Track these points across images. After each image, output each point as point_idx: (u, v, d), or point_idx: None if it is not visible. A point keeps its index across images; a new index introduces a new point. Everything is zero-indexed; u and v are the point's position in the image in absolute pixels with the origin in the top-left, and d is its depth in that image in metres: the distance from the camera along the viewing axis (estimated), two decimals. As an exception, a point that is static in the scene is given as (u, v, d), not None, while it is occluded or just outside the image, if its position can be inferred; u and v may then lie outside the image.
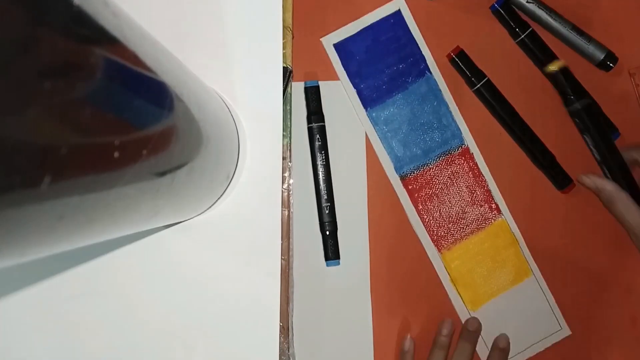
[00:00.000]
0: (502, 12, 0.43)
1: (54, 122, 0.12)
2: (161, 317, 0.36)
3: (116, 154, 0.15)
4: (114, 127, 0.15)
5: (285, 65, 0.39)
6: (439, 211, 0.44)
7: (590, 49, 0.42)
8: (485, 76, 0.43)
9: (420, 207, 0.44)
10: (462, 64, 0.43)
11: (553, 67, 0.41)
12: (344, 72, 0.43)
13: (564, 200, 0.44)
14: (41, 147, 0.12)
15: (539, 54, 0.43)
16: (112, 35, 0.15)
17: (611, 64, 0.43)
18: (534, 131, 0.43)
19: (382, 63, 0.44)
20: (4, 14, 0.10)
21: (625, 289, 0.44)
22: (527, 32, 0.42)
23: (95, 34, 0.14)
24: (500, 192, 0.44)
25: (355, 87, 0.44)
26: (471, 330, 0.42)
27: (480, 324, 0.43)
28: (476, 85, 0.43)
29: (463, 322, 0.43)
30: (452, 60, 0.43)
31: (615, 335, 0.44)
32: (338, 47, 0.44)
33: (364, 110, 0.44)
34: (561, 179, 0.43)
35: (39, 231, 0.13)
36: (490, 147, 0.44)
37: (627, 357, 0.44)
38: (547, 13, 0.42)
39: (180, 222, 0.35)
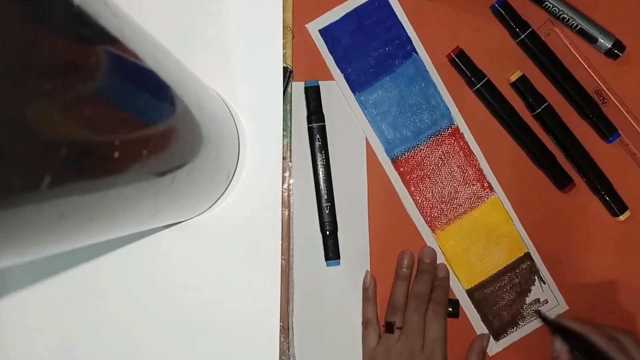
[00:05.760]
0: (502, 12, 0.43)
1: (54, 122, 0.12)
2: (161, 317, 0.36)
3: (116, 154, 0.15)
4: (114, 127, 0.15)
5: (285, 65, 0.39)
6: (432, 192, 0.44)
7: (598, 37, 0.42)
8: (485, 76, 0.43)
9: (413, 188, 0.44)
10: (462, 64, 0.43)
11: (513, 77, 0.43)
12: (331, 57, 0.43)
13: (564, 200, 0.44)
14: (41, 147, 0.12)
15: (539, 53, 0.43)
16: (112, 35, 0.15)
17: (619, 53, 0.43)
18: (534, 131, 0.43)
19: (369, 47, 0.44)
20: (4, 14, 0.10)
21: (625, 288, 0.44)
22: (527, 32, 0.42)
23: (95, 34, 0.14)
24: (492, 170, 0.44)
25: (342, 72, 0.44)
26: (427, 262, 0.42)
27: (435, 253, 0.43)
28: (476, 85, 0.43)
29: (459, 299, 0.43)
30: (452, 60, 0.43)
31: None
32: (323, 32, 0.44)
33: (352, 94, 0.44)
34: (561, 179, 0.43)
35: (39, 231, 0.13)
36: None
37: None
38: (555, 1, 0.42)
39: (181, 222, 0.35)
